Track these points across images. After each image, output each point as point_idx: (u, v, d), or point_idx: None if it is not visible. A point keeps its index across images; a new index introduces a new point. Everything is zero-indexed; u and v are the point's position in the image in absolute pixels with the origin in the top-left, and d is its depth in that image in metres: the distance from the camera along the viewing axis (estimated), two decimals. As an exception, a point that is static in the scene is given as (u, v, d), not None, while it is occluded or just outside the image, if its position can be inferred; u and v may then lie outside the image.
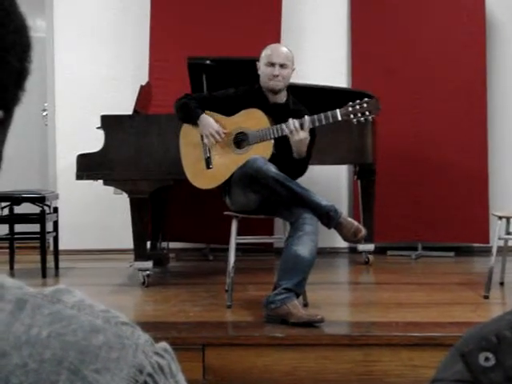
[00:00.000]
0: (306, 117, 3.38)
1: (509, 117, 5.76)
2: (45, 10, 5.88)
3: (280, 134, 3.47)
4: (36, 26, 5.96)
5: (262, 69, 3.59)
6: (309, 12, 5.80)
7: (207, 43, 5.38)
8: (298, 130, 3.35)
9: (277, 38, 5.44)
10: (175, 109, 3.74)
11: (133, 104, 4.47)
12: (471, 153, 5.49)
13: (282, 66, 3.55)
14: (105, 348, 0.56)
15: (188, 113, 3.70)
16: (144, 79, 5.26)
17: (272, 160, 3.46)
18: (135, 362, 0.57)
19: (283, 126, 3.44)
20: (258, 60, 3.65)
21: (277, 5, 5.56)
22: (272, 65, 3.54)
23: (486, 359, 0.67)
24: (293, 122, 3.36)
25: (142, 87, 4.67)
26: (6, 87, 0.62)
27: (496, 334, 0.68)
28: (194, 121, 3.68)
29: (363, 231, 3.35)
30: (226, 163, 3.64)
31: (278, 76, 3.54)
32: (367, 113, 3.42)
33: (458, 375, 0.68)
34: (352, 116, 3.42)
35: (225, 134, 3.62)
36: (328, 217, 3.32)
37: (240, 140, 3.63)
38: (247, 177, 3.43)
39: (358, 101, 3.43)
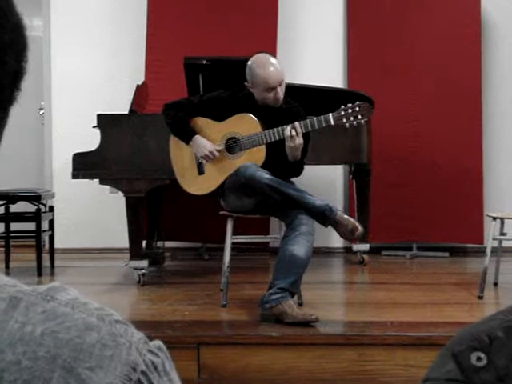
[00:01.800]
0: (296, 123, 3.35)
1: (503, 118, 5.77)
2: (41, 9, 5.87)
3: (272, 139, 3.44)
4: (33, 25, 5.96)
5: (260, 93, 3.49)
6: (305, 12, 5.81)
7: (204, 44, 5.38)
8: (294, 137, 3.33)
9: (273, 38, 5.44)
10: (165, 119, 3.68)
11: (129, 103, 4.47)
12: (466, 153, 5.50)
13: (279, 84, 3.48)
14: (98, 346, 0.56)
15: (180, 132, 3.66)
16: (140, 79, 5.26)
17: (265, 163, 3.46)
18: (129, 359, 0.56)
19: (275, 130, 3.42)
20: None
21: (273, 5, 5.56)
22: (272, 89, 3.46)
23: (478, 359, 0.66)
24: (290, 129, 3.33)
25: (138, 86, 4.67)
26: (3, 87, 0.62)
27: (488, 334, 0.67)
28: (186, 142, 3.65)
29: (360, 229, 3.34)
30: (219, 169, 3.61)
31: (279, 94, 3.50)
32: (360, 116, 3.40)
33: (450, 374, 0.68)
34: (345, 120, 3.40)
35: (218, 151, 3.59)
36: (323, 216, 3.32)
37: (232, 145, 3.61)
38: (240, 185, 3.42)
39: (349, 104, 3.40)
